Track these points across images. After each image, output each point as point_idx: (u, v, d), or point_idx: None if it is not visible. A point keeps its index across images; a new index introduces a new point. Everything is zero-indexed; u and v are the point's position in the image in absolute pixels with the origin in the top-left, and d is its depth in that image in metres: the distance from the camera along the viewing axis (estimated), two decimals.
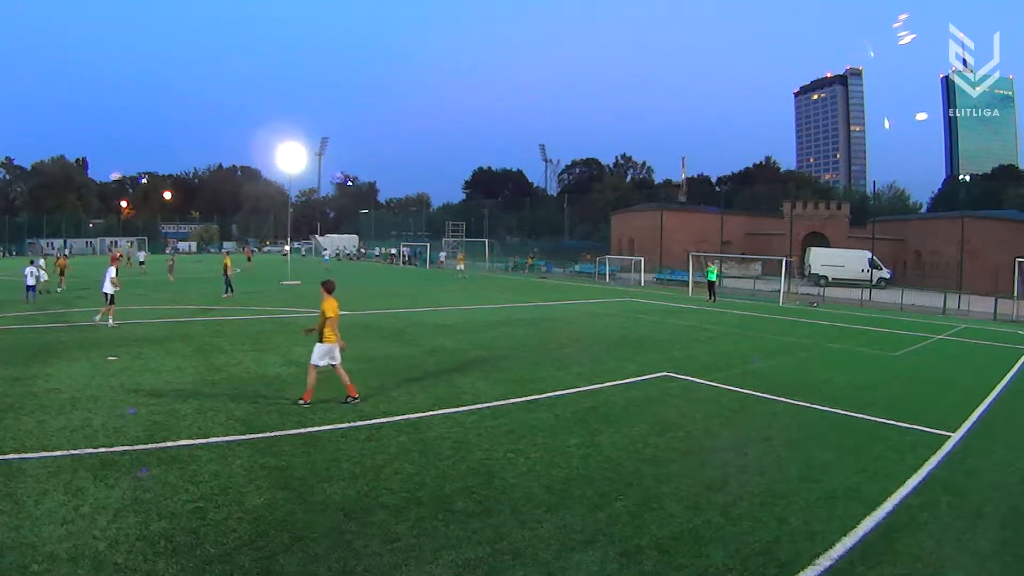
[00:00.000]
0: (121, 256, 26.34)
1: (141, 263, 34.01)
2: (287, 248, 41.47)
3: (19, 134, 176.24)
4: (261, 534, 4.19)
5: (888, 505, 5.06)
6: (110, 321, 13.28)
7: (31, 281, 17.72)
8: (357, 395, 7.56)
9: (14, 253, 55.10)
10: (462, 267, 35.74)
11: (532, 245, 53.19)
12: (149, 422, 6.51)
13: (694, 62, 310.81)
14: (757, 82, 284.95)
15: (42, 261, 20.97)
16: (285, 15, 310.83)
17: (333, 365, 7.48)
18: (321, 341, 7.41)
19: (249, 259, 40.67)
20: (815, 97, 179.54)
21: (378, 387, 8.37)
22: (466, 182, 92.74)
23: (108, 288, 13.56)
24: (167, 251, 34.99)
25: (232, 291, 20.48)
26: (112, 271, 14.00)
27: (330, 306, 7.41)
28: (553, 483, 5.29)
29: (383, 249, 57.95)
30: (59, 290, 20.58)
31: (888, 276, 36.44)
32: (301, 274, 29.25)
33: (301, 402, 7.28)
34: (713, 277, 25.71)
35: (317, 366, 7.41)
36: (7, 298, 18.34)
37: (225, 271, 20.97)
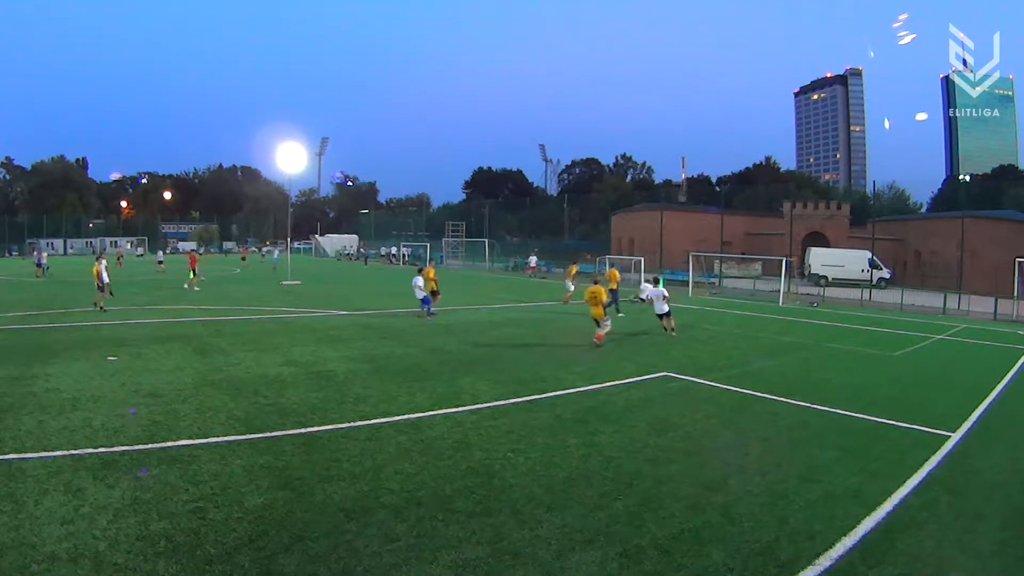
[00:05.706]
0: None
1: (160, 263, 35.57)
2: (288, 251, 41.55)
3: (19, 134, 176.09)
4: (261, 534, 4.19)
5: (888, 505, 5.05)
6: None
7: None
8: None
9: (15, 253, 55.07)
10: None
11: (532, 245, 53.08)
12: (149, 422, 6.51)
13: (694, 62, 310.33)
14: (757, 82, 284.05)
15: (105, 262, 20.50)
16: (285, 15, 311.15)
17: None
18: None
19: (244, 259, 43.70)
20: (815, 97, 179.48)
21: (378, 387, 8.38)
22: (466, 182, 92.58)
23: (421, 294, 16.24)
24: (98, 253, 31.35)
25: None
26: (419, 280, 16.37)
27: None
28: (553, 483, 5.29)
29: (386, 249, 57.77)
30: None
31: (888, 276, 36.40)
32: (274, 274, 29.15)
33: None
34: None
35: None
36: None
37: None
